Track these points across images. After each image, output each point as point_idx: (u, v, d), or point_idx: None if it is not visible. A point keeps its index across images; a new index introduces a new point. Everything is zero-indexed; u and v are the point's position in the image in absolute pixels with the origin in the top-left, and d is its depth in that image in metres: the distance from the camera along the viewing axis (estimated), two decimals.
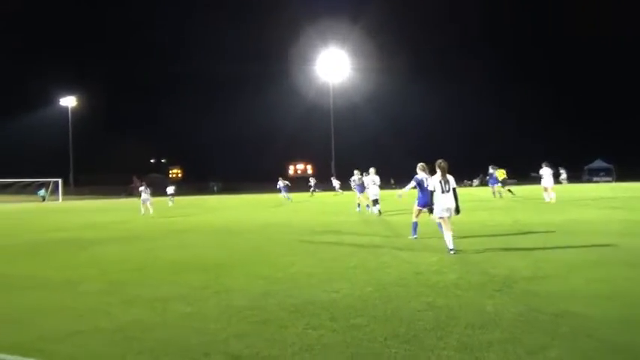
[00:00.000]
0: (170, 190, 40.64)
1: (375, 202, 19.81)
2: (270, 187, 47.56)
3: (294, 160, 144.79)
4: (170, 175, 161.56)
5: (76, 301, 6.73)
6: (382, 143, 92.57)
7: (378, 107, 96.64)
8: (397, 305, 5.96)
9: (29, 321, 5.90)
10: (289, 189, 40.64)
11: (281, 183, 40.97)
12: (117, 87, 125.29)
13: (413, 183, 11.74)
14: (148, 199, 26.52)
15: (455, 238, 9.75)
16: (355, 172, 22.50)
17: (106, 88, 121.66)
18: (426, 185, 11.22)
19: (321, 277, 7.64)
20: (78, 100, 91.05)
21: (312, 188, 50.15)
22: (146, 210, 26.05)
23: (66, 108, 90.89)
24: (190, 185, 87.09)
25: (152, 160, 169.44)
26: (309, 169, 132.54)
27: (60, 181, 65.12)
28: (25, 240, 14.69)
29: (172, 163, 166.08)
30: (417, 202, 11.69)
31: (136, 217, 23.90)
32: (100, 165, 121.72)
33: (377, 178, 19.74)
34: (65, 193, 67.54)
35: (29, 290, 7.58)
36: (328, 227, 15.43)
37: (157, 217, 23.73)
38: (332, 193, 48.42)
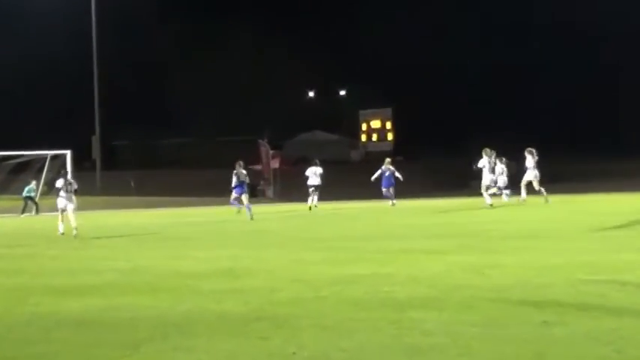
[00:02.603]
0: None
1: None
2: None
3: None
4: (365, 135, 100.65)
5: None
6: None
7: None
8: None
9: None
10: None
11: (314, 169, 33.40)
12: None
13: None
14: (72, 205, 21.71)
15: None
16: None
17: None
18: None
19: None
20: None
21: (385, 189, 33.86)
22: (66, 224, 21.51)
23: None
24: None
25: (311, 94, 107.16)
26: None
27: (68, 154, 45.55)
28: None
29: (377, 103, 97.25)
30: None
31: (264, 255, 18.04)
32: (167, 110, 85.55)
33: None
34: (85, 185, 41.01)
35: None
36: None
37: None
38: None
